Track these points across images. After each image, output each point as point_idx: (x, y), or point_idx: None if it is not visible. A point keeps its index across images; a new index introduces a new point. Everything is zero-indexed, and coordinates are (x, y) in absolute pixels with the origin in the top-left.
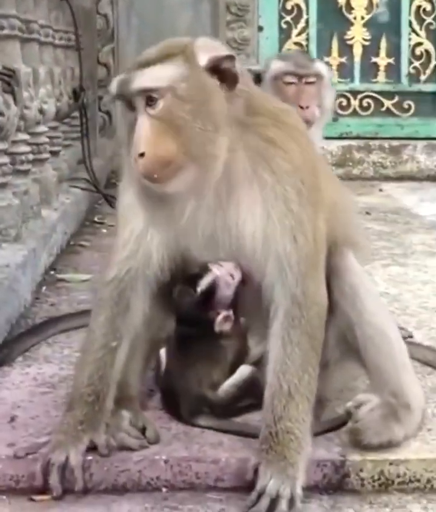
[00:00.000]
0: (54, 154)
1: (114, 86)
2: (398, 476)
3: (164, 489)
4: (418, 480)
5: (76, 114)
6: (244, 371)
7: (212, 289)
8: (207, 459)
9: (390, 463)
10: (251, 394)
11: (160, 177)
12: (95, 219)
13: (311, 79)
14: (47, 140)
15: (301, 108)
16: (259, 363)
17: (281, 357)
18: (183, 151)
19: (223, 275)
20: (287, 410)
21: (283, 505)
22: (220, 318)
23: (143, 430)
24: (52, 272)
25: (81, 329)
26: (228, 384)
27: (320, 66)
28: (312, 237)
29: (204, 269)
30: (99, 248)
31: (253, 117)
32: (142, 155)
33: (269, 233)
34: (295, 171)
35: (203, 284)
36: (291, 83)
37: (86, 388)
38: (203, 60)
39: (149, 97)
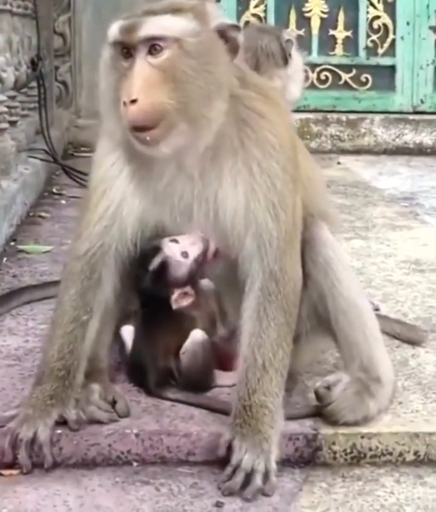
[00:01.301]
0: (12, 124)
1: (113, 31)
2: (370, 449)
3: (135, 463)
4: (390, 454)
5: (33, 84)
6: (196, 335)
7: (162, 269)
8: (178, 433)
9: (362, 437)
10: (208, 357)
11: (149, 135)
12: (54, 190)
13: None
14: (5, 109)
15: None
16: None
17: (256, 331)
18: (178, 108)
19: (173, 255)
20: (261, 384)
21: (257, 479)
22: (175, 296)
23: (113, 404)
24: (12, 243)
25: (45, 301)
26: (184, 348)
27: (283, 31)
28: (292, 214)
29: (156, 248)
30: (59, 219)
31: (245, 89)
32: (133, 101)
33: (251, 208)
34: (282, 146)
35: (153, 263)
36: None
37: (56, 362)
38: (214, 22)
39: (154, 46)
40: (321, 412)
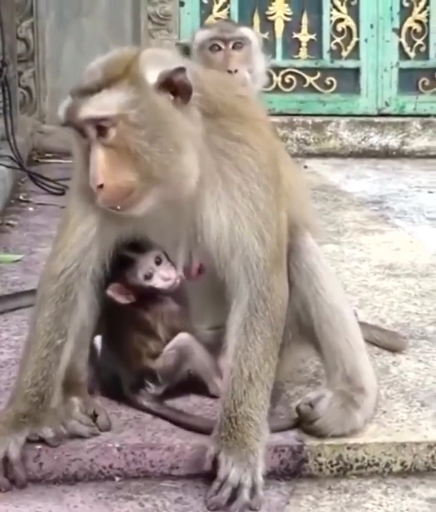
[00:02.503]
0: None
1: (61, 114)
2: (357, 461)
3: (117, 478)
4: (377, 464)
5: None
6: (182, 337)
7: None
8: (161, 446)
9: (348, 448)
10: (189, 362)
11: (123, 205)
12: (21, 197)
13: (237, 43)
14: None
15: (230, 72)
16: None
17: (243, 344)
18: (144, 177)
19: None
20: (247, 396)
21: (245, 494)
22: (111, 287)
23: (94, 417)
24: None
25: (18, 311)
26: (166, 349)
27: (245, 31)
28: (277, 232)
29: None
30: (27, 227)
31: (214, 118)
32: (100, 186)
33: (236, 232)
34: (261, 167)
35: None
36: (218, 50)
37: (30, 388)
38: (152, 78)
39: (100, 126)
40: (305, 428)
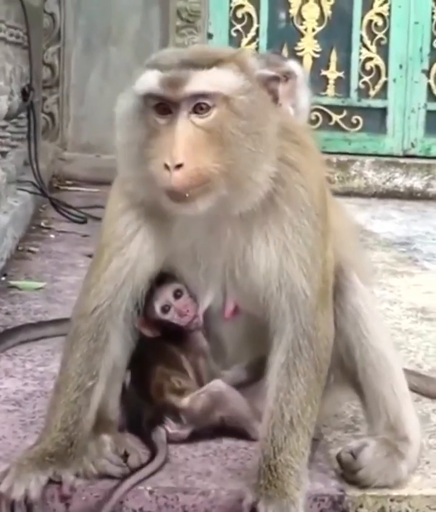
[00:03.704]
0: (2, 154)
1: (149, 83)
2: None
3: None
4: None
5: (21, 114)
6: (217, 384)
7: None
8: (195, 490)
9: (392, 500)
10: (221, 410)
11: (191, 194)
12: (42, 224)
13: (283, 77)
14: None
15: None
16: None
17: (285, 386)
18: (223, 171)
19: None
20: (288, 442)
21: None
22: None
23: (125, 457)
24: (3, 278)
25: (42, 340)
26: (198, 392)
27: (292, 65)
28: (323, 270)
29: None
30: (49, 254)
31: (279, 138)
32: (179, 166)
33: (284, 268)
34: (312, 202)
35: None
36: None
37: (59, 432)
38: (259, 74)
39: (199, 104)
40: (347, 478)
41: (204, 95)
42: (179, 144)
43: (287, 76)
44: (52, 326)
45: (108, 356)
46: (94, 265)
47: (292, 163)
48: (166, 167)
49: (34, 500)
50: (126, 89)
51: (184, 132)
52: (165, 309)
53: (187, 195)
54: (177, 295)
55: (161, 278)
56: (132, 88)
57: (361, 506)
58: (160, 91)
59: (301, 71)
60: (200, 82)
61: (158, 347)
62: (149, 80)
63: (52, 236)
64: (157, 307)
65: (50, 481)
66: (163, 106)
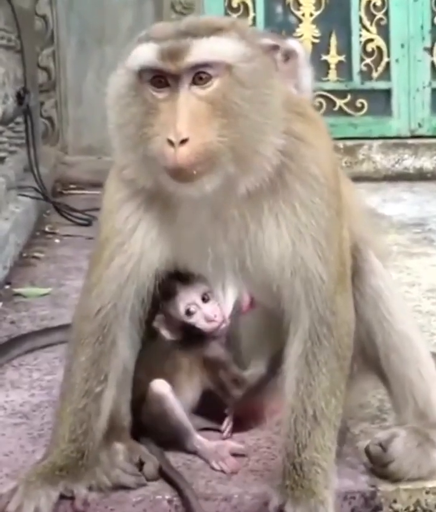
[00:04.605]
0: (0, 160)
1: (145, 56)
2: None
3: None
4: None
5: (19, 119)
6: (155, 385)
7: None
8: (217, 497)
9: (427, 492)
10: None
11: (197, 171)
12: (46, 229)
13: (284, 56)
14: None
15: None
16: None
17: (306, 378)
18: (228, 145)
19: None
20: (312, 438)
21: None
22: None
23: (140, 465)
24: (7, 287)
25: (49, 348)
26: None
27: (292, 43)
28: (339, 251)
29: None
30: (54, 259)
31: (284, 109)
32: (183, 141)
33: (298, 251)
34: (325, 178)
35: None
36: None
37: (68, 444)
38: (262, 41)
39: (199, 74)
40: (378, 472)
41: (206, 64)
42: (182, 118)
43: (288, 55)
44: (59, 332)
45: (116, 359)
46: (95, 263)
47: (299, 135)
48: (170, 143)
49: None
50: (118, 67)
51: (187, 105)
52: (190, 312)
53: (194, 172)
54: (205, 298)
55: (183, 276)
56: (125, 64)
57: (395, 502)
58: (158, 63)
59: (302, 49)
60: (201, 51)
61: (162, 352)
62: (145, 53)
63: (57, 241)
64: (181, 307)
65: (62, 496)
66: (160, 79)
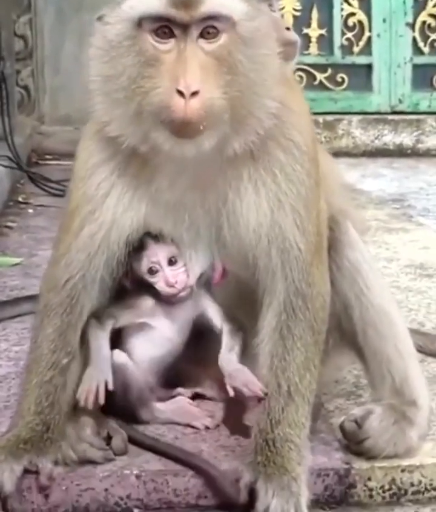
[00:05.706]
0: None
1: (148, 1)
2: (412, 485)
3: (136, 510)
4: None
5: None
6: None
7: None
8: (186, 473)
9: (403, 470)
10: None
11: (204, 126)
12: (20, 199)
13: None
14: None
15: None
16: None
17: (280, 352)
18: (230, 101)
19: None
20: (286, 413)
21: None
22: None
23: (108, 440)
24: None
25: (18, 319)
26: None
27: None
28: (317, 222)
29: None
30: (27, 229)
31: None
32: (194, 93)
33: (277, 220)
34: (306, 144)
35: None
36: None
37: (33, 416)
38: (264, 7)
39: (207, 28)
40: (352, 449)
41: (217, 17)
42: (193, 70)
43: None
44: (28, 302)
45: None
46: (64, 232)
47: (283, 100)
48: (180, 95)
49: (9, 493)
50: (106, 15)
51: (196, 57)
52: (152, 270)
53: (201, 127)
54: (172, 260)
55: (157, 236)
56: (119, 12)
57: (369, 479)
58: (171, 11)
59: (297, 38)
60: (214, 2)
61: None
62: (151, 1)
63: (30, 211)
64: (145, 264)
65: (26, 471)
66: (165, 29)
